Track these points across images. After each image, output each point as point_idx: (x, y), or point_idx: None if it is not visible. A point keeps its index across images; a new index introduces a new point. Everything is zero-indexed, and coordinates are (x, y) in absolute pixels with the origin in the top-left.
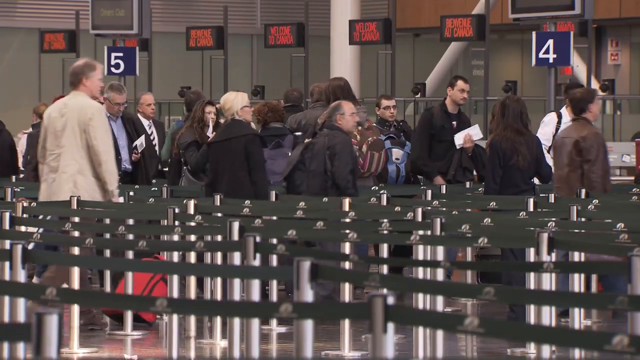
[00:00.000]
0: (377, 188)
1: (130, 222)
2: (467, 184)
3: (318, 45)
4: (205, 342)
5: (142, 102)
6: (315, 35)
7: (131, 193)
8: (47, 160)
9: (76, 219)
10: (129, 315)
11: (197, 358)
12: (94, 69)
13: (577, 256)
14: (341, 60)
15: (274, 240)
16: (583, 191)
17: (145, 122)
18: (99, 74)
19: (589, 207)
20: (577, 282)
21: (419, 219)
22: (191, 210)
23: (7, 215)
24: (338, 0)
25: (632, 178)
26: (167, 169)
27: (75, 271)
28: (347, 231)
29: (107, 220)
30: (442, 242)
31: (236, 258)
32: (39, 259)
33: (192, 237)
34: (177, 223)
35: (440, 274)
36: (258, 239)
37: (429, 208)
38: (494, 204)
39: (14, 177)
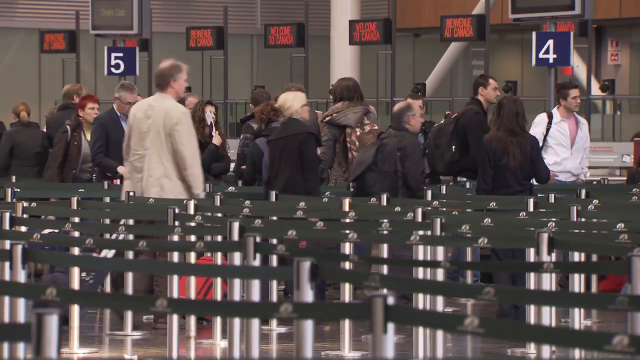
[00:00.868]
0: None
1: (131, 222)
2: (468, 184)
3: (318, 45)
4: (205, 342)
5: (187, 105)
6: (315, 35)
7: (131, 193)
8: (130, 159)
9: (76, 219)
10: (129, 315)
11: (197, 358)
12: (180, 71)
13: (577, 256)
14: (341, 61)
15: (274, 240)
16: (583, 191)
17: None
18: (185, 74)
19: (589, 207)
20: (577, 282)
21: (419, 219)
22: (191, 211)
23: (7, 215)
24: (338, 0)
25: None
26: None
27: (75, 271)
28: (347, 231)
29: (107, 220)
30: (442, 242)
31: (236, 258)
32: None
33: (192, 237)
34: (177, 223)
35: (440, 274)
36: (258, 239)
37: (429, 208)
38: (494, 204)
39: (13, 176)
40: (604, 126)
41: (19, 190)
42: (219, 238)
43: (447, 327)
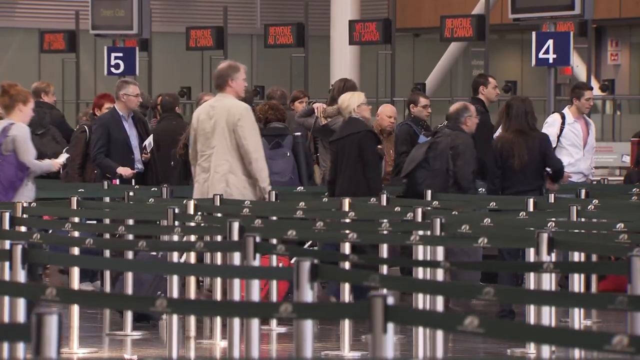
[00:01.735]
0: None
1: (130, 222)
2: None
3: (318, 45)
4: (205, 342)
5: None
6: (315, 35)
7: (131, 193)
8: (199, 161)
9: (76, 219)
10: (129, 315)
11: (197, 358)
12: (237, 70)
13: (577, 256)
14: (341, 60)
15: (274, 241)
16: (583, 191)
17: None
18: (243, 74)
19: (588, 207)
20: (577, 282)
21: (419, 219)
22: (191, 211)
23: (7, 215)
24: (338, 0)
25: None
26: None
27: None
28: (347, 231)
29: (107, 220)
30: (442, 242)
31: (236, 258)
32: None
33: (192, 237)
34: (177, 223)
35: (440, 274)
36: (258, 239)
37: (429, 208)
38: (494, 204)
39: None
40: (604, 126)
41: None
42: (219, 238)
43: (447, 327)
